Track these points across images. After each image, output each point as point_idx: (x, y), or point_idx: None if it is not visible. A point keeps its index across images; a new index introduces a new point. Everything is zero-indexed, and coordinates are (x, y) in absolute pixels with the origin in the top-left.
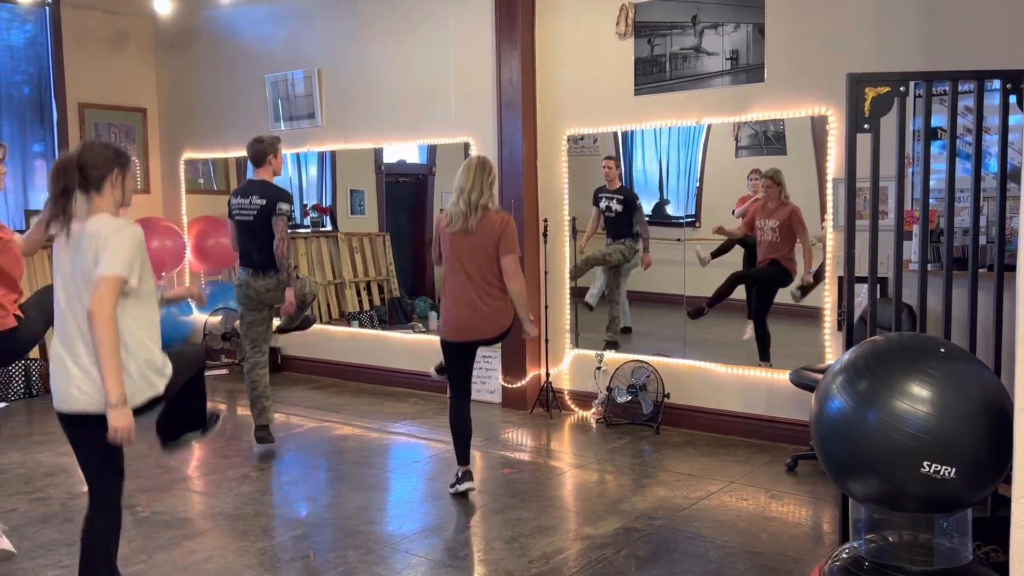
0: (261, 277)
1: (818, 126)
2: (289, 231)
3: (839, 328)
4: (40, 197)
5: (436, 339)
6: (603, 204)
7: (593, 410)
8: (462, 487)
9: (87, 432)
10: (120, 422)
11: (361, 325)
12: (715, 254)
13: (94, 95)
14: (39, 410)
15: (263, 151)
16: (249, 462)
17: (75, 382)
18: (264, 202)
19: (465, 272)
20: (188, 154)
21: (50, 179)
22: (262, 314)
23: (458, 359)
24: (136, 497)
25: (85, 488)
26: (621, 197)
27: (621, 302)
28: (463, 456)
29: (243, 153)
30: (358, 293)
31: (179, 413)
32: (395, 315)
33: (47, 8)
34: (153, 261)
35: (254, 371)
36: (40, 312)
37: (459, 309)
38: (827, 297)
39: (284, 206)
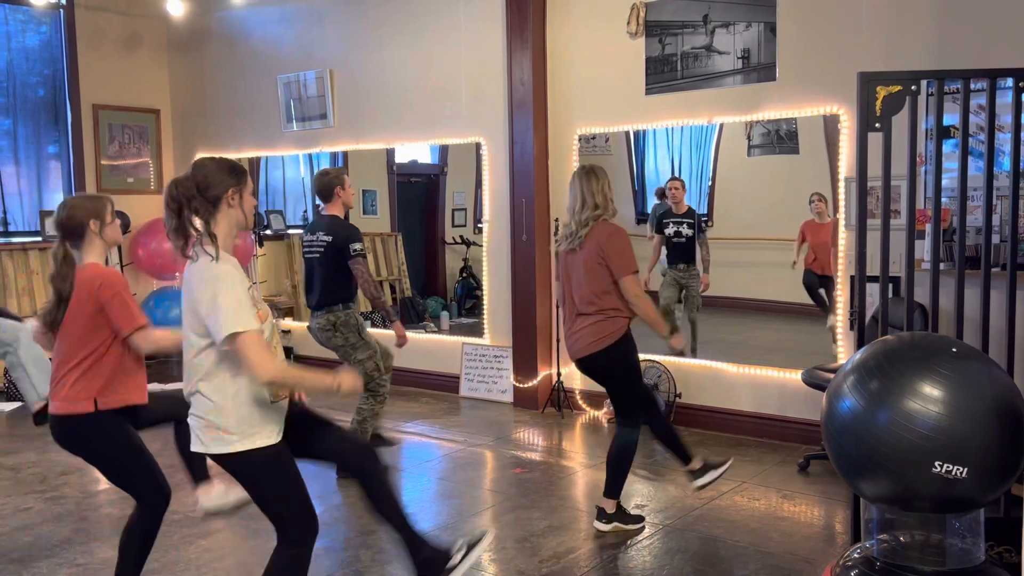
0: (317, 315)
1: (830, 124)
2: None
3: (851, 328)
4: (55, 198)
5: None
6: (671, 230)
7: (604, 410)
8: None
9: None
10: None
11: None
12: None
13: (108, 96)
14: None
15: (329, 184)
16: None
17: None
18: (330, 239)
19: (573, 290)
20: (201, 154)
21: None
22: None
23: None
24: None
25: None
26: (691, 220)
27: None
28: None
29: (256, 154)
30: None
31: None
32: (407, 315)
33: (61, 11)
34: (167, 261)
35: (369, 421)
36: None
37: (569, 328)
38: (839, 297)
39: (357, 246)
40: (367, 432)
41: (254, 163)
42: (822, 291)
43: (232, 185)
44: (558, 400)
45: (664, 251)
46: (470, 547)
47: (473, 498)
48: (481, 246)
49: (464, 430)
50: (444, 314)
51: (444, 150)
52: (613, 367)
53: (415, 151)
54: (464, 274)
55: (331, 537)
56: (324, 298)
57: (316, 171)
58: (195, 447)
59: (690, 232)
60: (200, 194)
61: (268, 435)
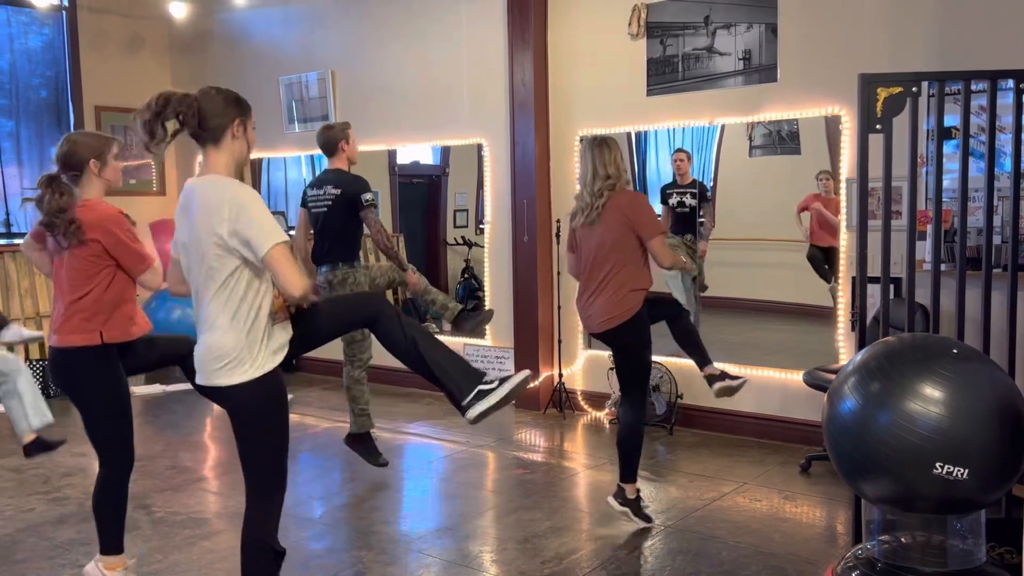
0: (337, 269)
1: (832, 126)
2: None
3: (852, 328)
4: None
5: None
6: (674, 200)
7: (606, 411)
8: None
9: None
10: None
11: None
12: None
13: (110, 98)
14: (56, 411)
15: (333, 138)
16: None
17: (214, 354)
18: (339, 192)
19: (590, 262)
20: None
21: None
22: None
23: (615, 354)
24: (151, 497)
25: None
26: (695, 191)
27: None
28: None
29: (258, 155)
30: None
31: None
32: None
33: (64, 12)
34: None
35: (353, 387)
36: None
37: (585, 300)
38: (840, 297)
39: (368, 195)
40: (361, 406)
41: (256, 164)
42: (826, 266)
43: (237, 115)
44: (560, 401)
45: (669, 222)
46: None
47: (475, 499)
48: (483, 247)
49: (465, 431)
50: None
51: (446, 151)
52: (629, 340)
53: (417, 152)
54: (466, 275)
55: (333, 537)
56: (331, 253)
57: (320, 126)
58: (209, 381)
59: (693, 202)
60: (201, 124)
61: (278, 358)
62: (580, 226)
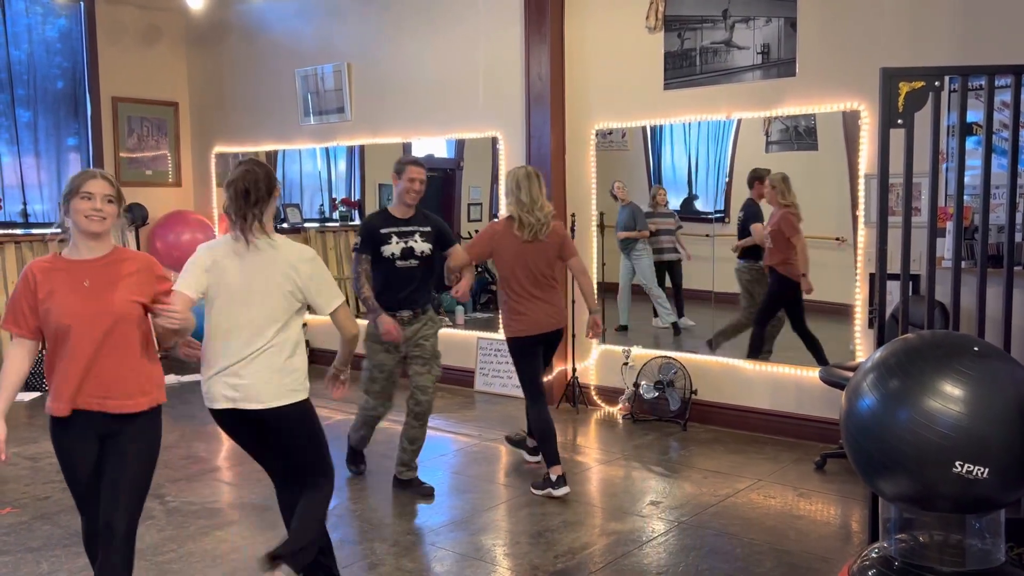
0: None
1: (850, 121)
2: (359, 265)
3: (870, 326)
4: None
5: (461, 333)
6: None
7: (620, 406)
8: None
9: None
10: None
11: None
12: None
13: (127, 89)
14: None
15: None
16: None
17: (275, 381)
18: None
19: (537, 274)
20: (219, 148)
21: (243, 190)
22: (393, 358)
23: (536, 357)
24: (166, 487)
25: None
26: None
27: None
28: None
29: (274, 147)
30: None
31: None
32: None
33: (81, 3)
34: (185, 254)
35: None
36: None
37: (540, 306)
38: (858, 294)
39: (356, 239)
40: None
41: (271, 156)
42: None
43: (276, 186)
44: (573, 395)
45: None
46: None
47: (487, 492)
48: None
49: (479, 424)
50: (459, 308)
51: (460, 144)
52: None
53: (431, 145)
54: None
55: (346, 530)
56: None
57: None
58: (269, 404)
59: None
60: (268, 191)
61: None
62: (523, 241)
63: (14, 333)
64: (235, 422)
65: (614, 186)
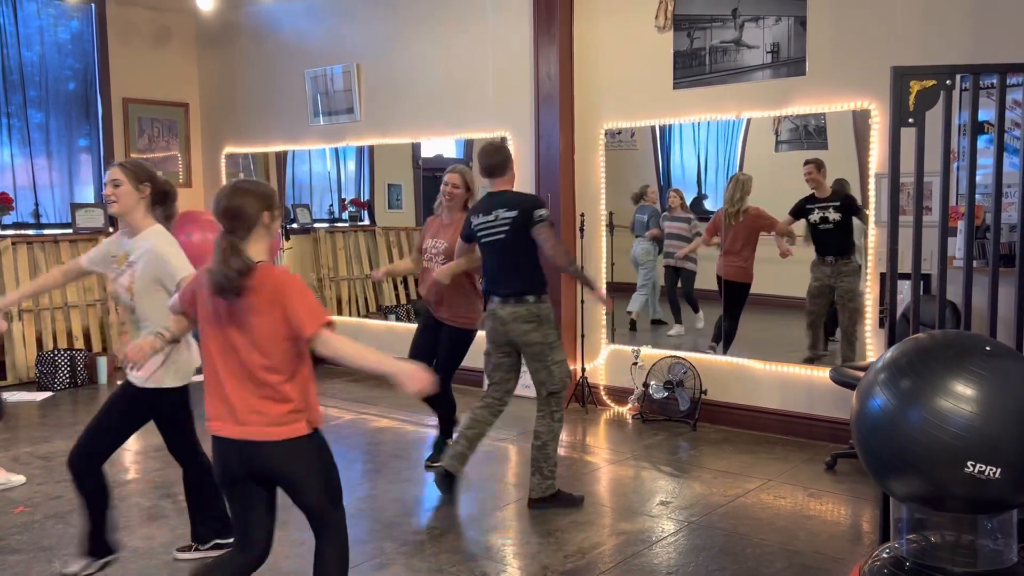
0: (510, 304)
1: (860, 120)
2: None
3: (881, 325)
4: (86, 191)
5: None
6: (816, 216)
7: (629, 406)
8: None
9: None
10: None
11: (398, 319)
12: None
13: (138, 90)
14: (84, 399)
15: (505, 160)
16: None
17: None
18: (515, 214)
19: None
20: (229, 148)
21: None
22: (509, 357)
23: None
24: (176, 487)
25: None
26: (838, 203)
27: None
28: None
29: (283, 148)
30: (395, 287)
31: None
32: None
33: (93, 5)
34: (196, 254)
35: (477, 410)
36: None
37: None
38: (869, 294)
39: (542, 211)
40: (551, 462)
41: (281, 157)
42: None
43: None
44: (583, 395)
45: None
46: None
47: (497, 492)
48: None
49: None
50: None
51: (469, 144)
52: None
53: (440, 145)
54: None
55: (356, 528)
56: (522, 285)
57: (482, 146)
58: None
59: (838, 217)
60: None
61: None
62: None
63: None
64: None
65: (647, 190)
